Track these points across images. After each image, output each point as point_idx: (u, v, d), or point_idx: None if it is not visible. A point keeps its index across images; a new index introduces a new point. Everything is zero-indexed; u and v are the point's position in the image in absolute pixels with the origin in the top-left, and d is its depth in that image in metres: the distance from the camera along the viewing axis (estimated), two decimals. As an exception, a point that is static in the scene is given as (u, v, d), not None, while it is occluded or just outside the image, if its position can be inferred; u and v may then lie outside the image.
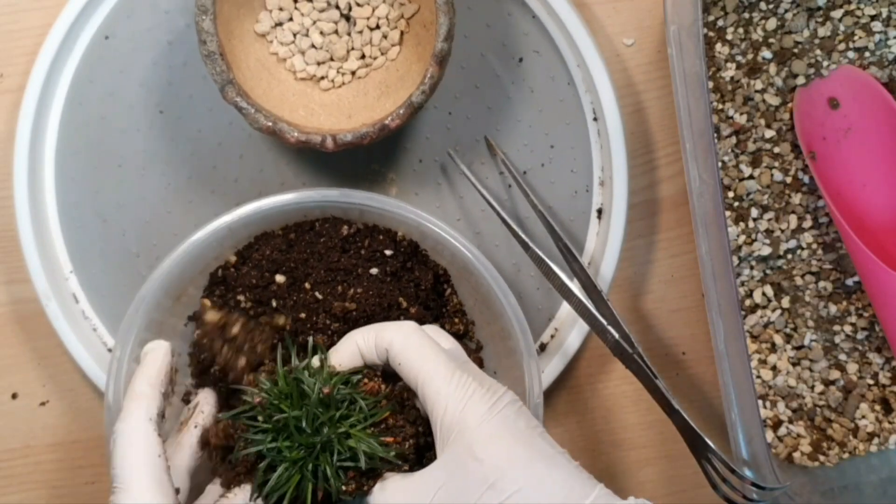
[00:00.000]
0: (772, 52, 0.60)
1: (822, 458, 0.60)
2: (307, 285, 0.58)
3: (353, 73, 0.60)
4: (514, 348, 0.56)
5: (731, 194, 0.61)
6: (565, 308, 0.62)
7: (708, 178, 0.55)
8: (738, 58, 0.60)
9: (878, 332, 0.61)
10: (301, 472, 0.48)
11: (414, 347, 0.50)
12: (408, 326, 0.51)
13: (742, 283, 0.61)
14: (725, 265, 0.55)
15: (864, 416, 0.61)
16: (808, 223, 0.61)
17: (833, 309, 0.61)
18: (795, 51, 0.60)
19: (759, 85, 0.60)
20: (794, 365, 0.62)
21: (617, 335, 0.56)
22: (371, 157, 0.62)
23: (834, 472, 0.60)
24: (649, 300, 0.64)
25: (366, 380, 0.50)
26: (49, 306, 0.60)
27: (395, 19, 0.59)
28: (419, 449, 0.51)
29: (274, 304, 0.57)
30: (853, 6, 0.60)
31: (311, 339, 0.55)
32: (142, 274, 0.61)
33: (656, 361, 0.64)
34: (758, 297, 0.61)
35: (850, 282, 0.61)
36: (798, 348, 0.61)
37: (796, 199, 0.61)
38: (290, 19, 0.59)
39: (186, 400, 0.58)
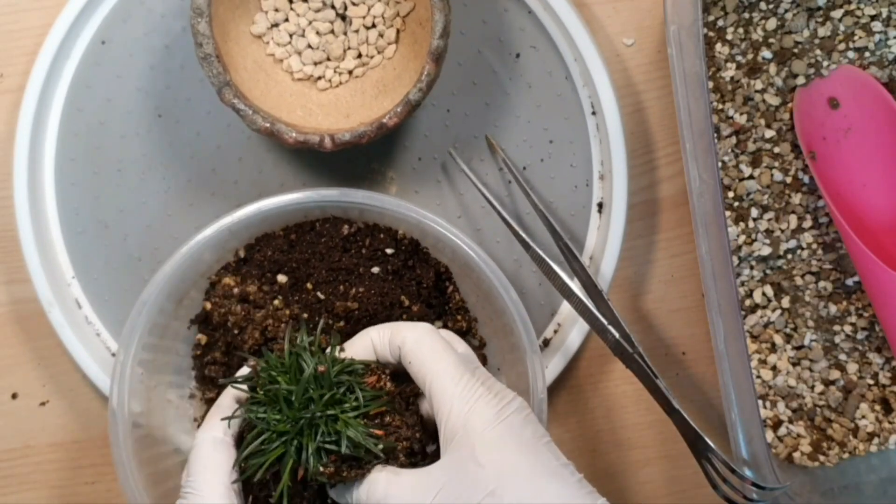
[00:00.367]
0: (772, 52, 0.60)
1: (822, 458, 0.60)
2: (309, 285, 0.58)
3: (350, 72, 0.60)
4: (516, 344, 0.56)
5: (731, 194, 0.61)
6: (567, 304, 0.62)
7: (708, 178, 0.55)
8: (738, 58, 0.60)
9: (878, 332, 0.61)
10: (285, 446, 0.48)
11: (426, 347, 0.50)
12: (423, 327, 0.51)
13: (742, 283, 0.61)
14: (725, 265, 0.55)
15: (864, 416, 0.61)
16: (808, 223, 0.61)
17: (833, 309, 0.61)
18: (795, 51, 0.60)
19: (759, 85, 0.60)
20: (794, 365, 0.62)
21: (617, 335, 0.57)
22: (370, 157, 0.62)
23: (834, 472, 0.60)
24: (649, 300, 0.64)
25: (369, 372, 0.50)
26: (52, 312, 0.60)
27: (390, 17, 0.59)
28: (412, 454, 0.50)
29: (276, 304, 0.57)
30: (853, 6, 0.59)
31: (320, 323, 0.55)
32: (144, 278, 0.61)
33: (656, 361, 0.64)
34: (758, 297, 0.61)
35: (850, 282, 0.61)
36: (798, 348, 0.61)
37: (796, 199, 0.61)
38: (286, 20, 0.59)
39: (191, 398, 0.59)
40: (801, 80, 0.60)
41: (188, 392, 0.60)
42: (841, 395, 0.61)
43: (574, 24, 0.59)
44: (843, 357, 0.61)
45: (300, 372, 0.49)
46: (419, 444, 0.51)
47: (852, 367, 0.61)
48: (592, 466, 0.65)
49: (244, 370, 0.53)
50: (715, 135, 0.59)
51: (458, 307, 0.60)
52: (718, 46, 0.60)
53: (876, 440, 0.60)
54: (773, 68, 0.60)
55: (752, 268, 0.61)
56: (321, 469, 0.47)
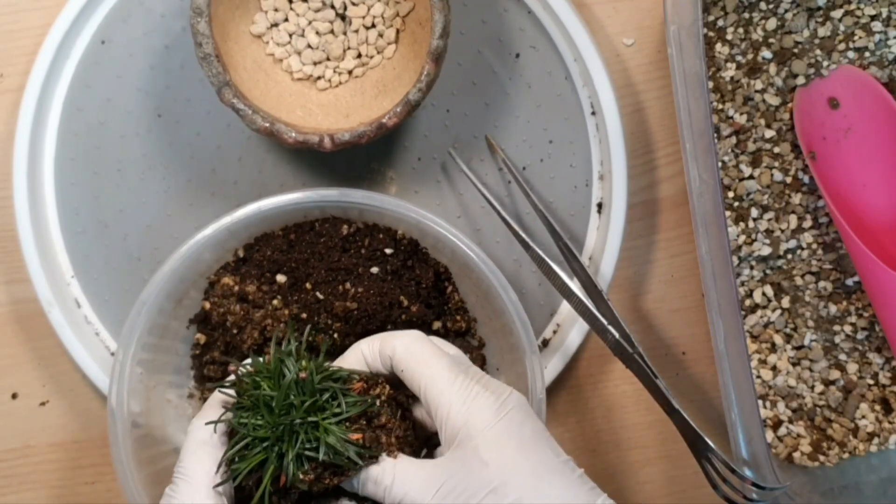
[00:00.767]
0: (772, 52, 0.60)
1: (822, 458, 0.60)
2: (308, 285, 0.58)
3: (350, 72, 0.60)
4: (516, 345, 0.56)
5: (731, 194, 0.61)
6: (567, 304, 0.62)
7: (708, 178, 0.55)
8: (738, 58, 0.60)
9: (878, 332, 0.61)
10: (266, 452, 0.48)
11: (417, 352, 0.50)
12: (411, 334, 0.51)
13: (742, 283, 0.61)
14: (725, 265, 0.55)
15: (864, 416, 0.61)
16: (808, 223, 0.61)
17: (833, 309, 0.61)
18: (795, 51, 0.60)
19: (759, 85, 0.60)
20: (794, 365, 0.62)
21: (617, 335, 0.56)
22: (370, 157, 0.62)
23: (834, 472, 0.60)
24: (649, 300, 0.64)
25: (356, 377, 0.50)
26: (51, 312, 0.60)
27: (390, 17, 0.59)
28: (412, 453, 0.50)
29: (275, 303, 0.57)
30: (853, 6, 0.59)
31: (306, 330, 0.54)
32: (143, 278, 0.60)
33: (656, 361, 0.64)
34: (758, 297, 0.61)
35: (850, 282, 0.61)
36: (798, 348, 0.61)
37: (796, 199, 0.61)
38: (286, 20, 0.59)
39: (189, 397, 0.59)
40: (801, 80, 0.60)
41: (187, 392, 0.60)
42: (841, 395, 0.61)
43: (574, 24, 0.59)
44: (843, 357, 0.61)
45: (283, 377, 0.49)
46: (416, 444, 0.51)
47: (852, 367, 0.61)
48: (592, 466, 0.65)
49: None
50: (715, 135, 0.59)
51: (458, 307, 0.60)
52: (718, 46, 0.60)
53: (876, 440, 0.60)
54: (773, 68, 0.60)
55: (752, 268, 0.61)
56: (301, 476, 0.47)
